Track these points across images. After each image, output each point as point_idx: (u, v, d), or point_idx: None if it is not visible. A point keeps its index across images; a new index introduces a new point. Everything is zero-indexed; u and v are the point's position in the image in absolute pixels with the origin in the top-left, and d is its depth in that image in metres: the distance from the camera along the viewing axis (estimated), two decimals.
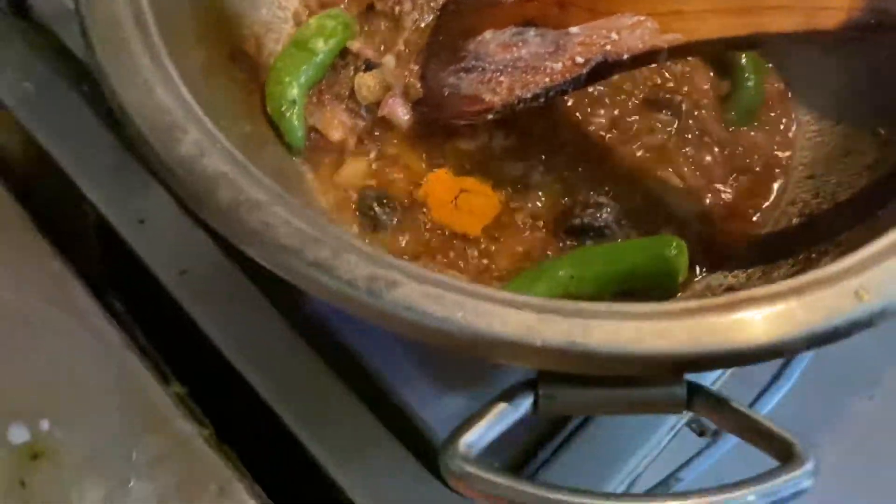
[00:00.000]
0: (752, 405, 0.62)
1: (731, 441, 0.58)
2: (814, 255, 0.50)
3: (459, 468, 0.35)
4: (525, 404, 0.37)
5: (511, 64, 0.56)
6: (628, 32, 0.53)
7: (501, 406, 0.36)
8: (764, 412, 0.62)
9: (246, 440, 0.57)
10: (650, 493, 0.56)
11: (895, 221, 0.42)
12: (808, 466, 0.34)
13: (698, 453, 0.58)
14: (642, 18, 0.53)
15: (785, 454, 0.35)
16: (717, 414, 0.37)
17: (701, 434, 0.58)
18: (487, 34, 0.58)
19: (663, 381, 0.37)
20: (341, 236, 0.38)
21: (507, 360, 0.36)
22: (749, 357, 0.35)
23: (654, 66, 0.60)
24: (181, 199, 0.39)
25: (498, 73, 0.56)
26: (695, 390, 0.37)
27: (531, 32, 0.57)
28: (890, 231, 0.41)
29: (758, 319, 0.35)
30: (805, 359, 0.61)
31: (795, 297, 0.36)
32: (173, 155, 0.39)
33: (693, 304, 0.37)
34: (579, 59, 0.54)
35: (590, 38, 0.54)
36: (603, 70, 0.54)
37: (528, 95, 0.55)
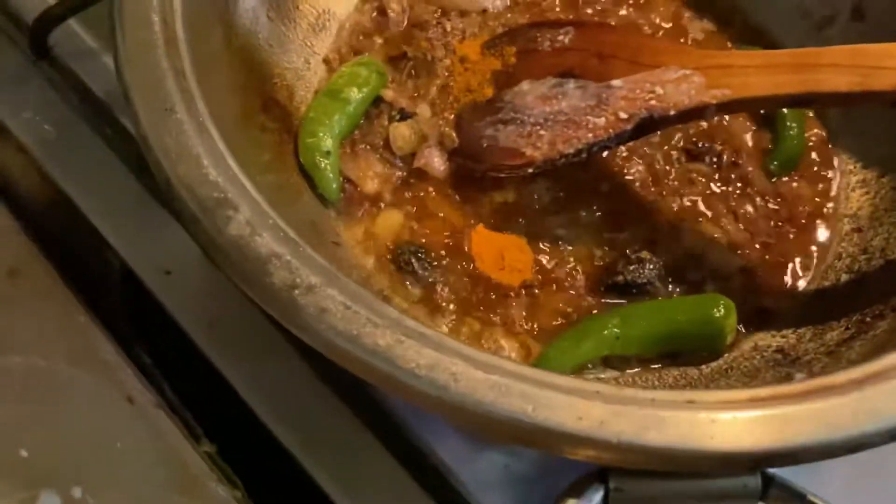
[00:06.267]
0: None
1: None
2: (868, 319, 0.48)
3: None
4: (595, 499, 0.35)
5: (551, 118, 0.55)
6: (673, 87, 0.52)
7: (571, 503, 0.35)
8: None
9: (278, 500, 0.56)
10: None
11: None
12: None
13: None
14: (688, 73, 0.52)
15: None
16: None
17: None
18: (525, 85, 0.57)
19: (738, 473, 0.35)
20: (401, 320, 0.36)
21: (578, 457, 0.34)
22: (834, 452, 0.34)
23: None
24: (234, 281, 0.38)
25: (538, 127, 0.55)
26: (769, 481, 0.36)
27: (570, 84, 0.56)
28: None
29: (841, 409, 0.34)
30: None
31: (873, 385, 0.35)
32: (224, 235, 0.38)
33: (765, 391, 0.35)
34: (623, 115, 0.53)
35: (633, 93, 0.53)
36: (648, 125, 0.53)
37: (571, 151, 0.53)
